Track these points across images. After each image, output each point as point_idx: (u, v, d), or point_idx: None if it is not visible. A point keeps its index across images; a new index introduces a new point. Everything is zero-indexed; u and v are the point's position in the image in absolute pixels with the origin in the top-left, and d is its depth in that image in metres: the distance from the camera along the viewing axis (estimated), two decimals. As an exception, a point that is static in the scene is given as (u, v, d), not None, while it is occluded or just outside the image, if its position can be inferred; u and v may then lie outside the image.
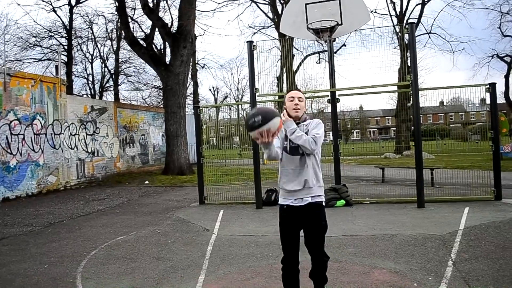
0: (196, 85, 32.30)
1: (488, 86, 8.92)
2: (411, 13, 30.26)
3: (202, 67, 35.49)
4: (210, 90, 45.68)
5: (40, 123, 13.50)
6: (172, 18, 25.23)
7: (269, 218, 7.81)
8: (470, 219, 6.88)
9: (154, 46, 21.09)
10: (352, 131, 65.39)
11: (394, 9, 30.18)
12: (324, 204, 3.33)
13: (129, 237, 6.83)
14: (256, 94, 9.38)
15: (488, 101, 9.67)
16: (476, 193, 8.92)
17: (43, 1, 26.99)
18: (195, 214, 8.67)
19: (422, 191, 8.28)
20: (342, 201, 8.74)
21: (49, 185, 13.59)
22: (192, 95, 31.58)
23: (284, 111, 3.34)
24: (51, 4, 26.92)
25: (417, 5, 30.08)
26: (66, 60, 27.15)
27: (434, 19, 30.07)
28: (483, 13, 43.67)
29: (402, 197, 9.19)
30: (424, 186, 8.45)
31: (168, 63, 18.39)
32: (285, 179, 3.27)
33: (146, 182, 15.42)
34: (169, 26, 19.42)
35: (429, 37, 29.79)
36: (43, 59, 27.93)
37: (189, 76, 23.76)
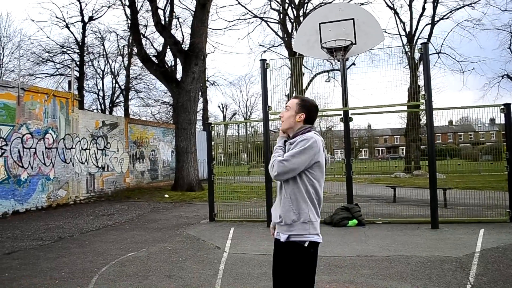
0: (206, 102, 32.53)
1: (502, 107, 8.83)
2: (420, 33, 30.41)
3: (212, 84, 35.76)
4: (219, 107, 45.91)
5: (52, 137, 13.59)
6: (183, 35, 25.60)
7: (281, 237, 7.71)
8: (486, 241, 6.75)
9: (165, 63, 21.32)
10: (361, 149, 65.13)
11: (404, 29, 30.35)
12: (307, 245, 2.62)
13: (140, 253, 6.77)
14: (269, 112, 9.38)
15: (498, 121, 9.60)
16: (491, 214, 8.78)
17: (57, 17, 27.54)
18: (205, 231, 8.60)
19: (437, 211, 8.17)
20: (355, 221, 8.64)
21: (59, 199, 13.60)
22: (201, 112, 31.77)
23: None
24: (64, 21, 27.46)
25: (426, 25, 30.32)
26: (78, 75, 27.50)
27: (444, 39, 30.19)
28: (493, 34, 43.92)
29: (415, 217, 9.07)
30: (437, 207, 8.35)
31: (179, 79, 18.54)
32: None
33: (166, 195, 15.42)
34: (180, 43, 19.64)
35: (439, 56, 29.87)
36: (55, 74, 28.39)
37: (200, 92, 23.95)
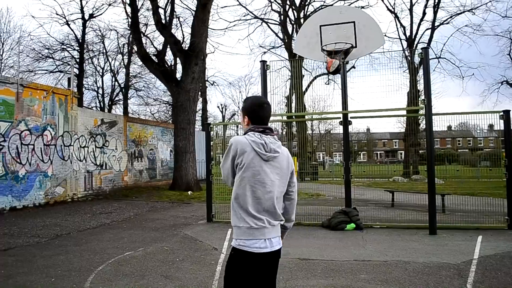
0: (205, 102, 32.52)
1: (502, 113, 8.83)
2: (420, 37, 30.43)
3: (212, 84, 35.73)
4: (218, 107, 45.86)
5: (51, 134, 13.54)
6: (184, 35, 25.52)
7: (278, 239, 7.69)
8: (484, 248, 6.74)
9: (165, 62, 21.30)
10: (359, 153, 65.24)
11: (404, 33, 30.34)
12: (235, 251, 2.55)
13: (137, 253, 6.74)
14: (268, 113, 9.34)
15: (496, 127, 9.61)
16: (489, 221, 8.78)
17: (57, 14, 27.50)
18: (203, 232, 8.58)
19: (435, 217, 8.15)
20: (352, 225, 8.62)
21: (56, 196, 13.56)
22: (201, 112, 31.75)
23: None
24: (65, 18, 27.43)
25: (426, 29, 30.34)
26: (77, 72, 27.46)
27: (444, 44, 30.19)
28: (493, 40, 43.87)
29: (413, 222, 9.06)
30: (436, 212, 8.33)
31: (179, 79, 18.51)
32: None
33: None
34: (181, 43, 19.62)
35: (439, 61, 29.86)
36: (54, 71, 28.36)
37: (199, 92, 23.93)
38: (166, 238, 8.01)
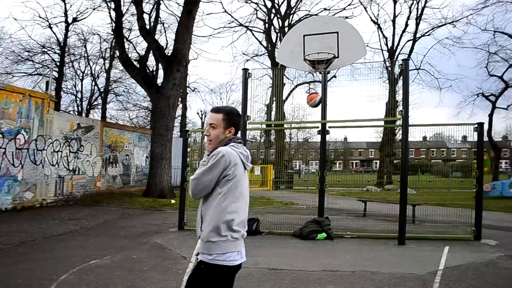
0: (185, 108, 32.38)
1: (476, 126, 9.00)
2: (402, 48, 31.01)
3: (193, 91, 35.62)
4: (198, 113, 45.64)
5: (24, 138, 13.26)
6: (167, 41, 25.31)
7: (249, 249, 7.57)
8: (450, 259, 6.84)
9: (147, 68, 21.15)
10: (335, 161, 65.72)
11: (386, 44, 30.87)
12: (208, 266, 2.51)
13: (103, 261, 6.62)
14: (247, 121, 9.36)
15: (470, 139, 9.81)
16: (457, 232, 8.91)
17: (40, 17, 27.07)
18: (173, 240, 8.48)
19: (404, 227, 8.25)
20: (324, 234, 8.65)
21: (25, 201, 13.22)
22: (180, 118, 31.58)
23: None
24: (47, 21, 27.02)
25: (408, 41, 30.90)
26: (56, 76, 27.06)
27: (424, 56, 30.58)
28: (471, 52, 44.83)
29: (383, 232, 9.14)
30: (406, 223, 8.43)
31: (160, 85, 18.39)
32: None
33: (173, 201, 14.89)
34: (164, 48, 19.49)
35: (418, 73, 30.39)
36: (33, 73, 27.85)
37: (179, 99, 23.82)
38: (135, 246, 7.89)
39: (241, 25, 31.68)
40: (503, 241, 8.39)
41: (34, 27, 38.73)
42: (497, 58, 27.33)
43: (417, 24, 29.94)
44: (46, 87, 15.41)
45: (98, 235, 9.04)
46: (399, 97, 17.12)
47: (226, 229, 2.51)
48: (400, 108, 8.98)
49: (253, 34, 32.70)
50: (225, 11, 32.17)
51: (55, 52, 28.38)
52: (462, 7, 52.12)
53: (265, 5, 32.01)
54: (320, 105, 9.48)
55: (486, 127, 27.06)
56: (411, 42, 30.47)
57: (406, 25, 30.40)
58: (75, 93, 32.78)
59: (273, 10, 31.91)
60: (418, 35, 30.25)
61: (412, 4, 29.96)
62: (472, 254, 7.21)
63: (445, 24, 29.55)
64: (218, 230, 2.50)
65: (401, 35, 30.60)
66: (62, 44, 27.80)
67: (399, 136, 12.20)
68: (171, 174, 18.01)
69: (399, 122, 9.36)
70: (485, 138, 27.27)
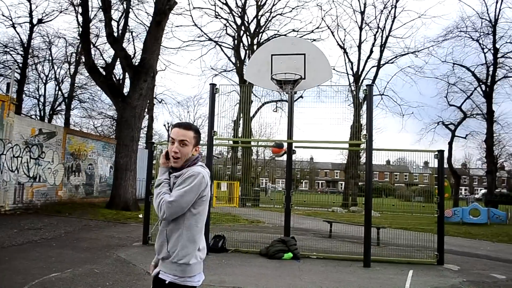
0: (151, 119, 31.97)
1: (436, 153, 9.29)
2: (366, 73, 31.94)
3: (160, 102, 35.26)
4: (164, 125, 45.13)
5: (-19, 141, 12.70)
6: (135, 50, 25.09)
7: (215, 266, 7.56)
8: (414, 283, 6.95)
9: (113, 76, 20.81)
10: (301, 181, 66.35)
11: (352, 68, 31.69)
12: (175, 286, 2.43)
13: (64, 274, 6.35)
14: (214, 137, 9.30)
15: (431, 165, 10.11)
16: (420, 256, 9.09)
17: (3, 15, 26.29)
18: (137, 255, 8.24)
19: (369, 250, 8.32)
20: (290, 254, 8.62)
21: (-20, 208, 12.63)
22: (146, 129, 31.12)
23: (164, 151, 2.62)
24: (11, 20, 26.26)
25: (373, 67, 31.80)
26: (18, 78, 26.22)
27: (388, 82, 31.76)
28: (432, 82, 46.77)
29: (348, 254, 9.20)
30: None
31: (126, 94, 18.09)
32: None
33: (140, 216, 14.27)
34: (131, 57, 19.27)
35: (382, 98, 31.33)
36: (-6, 73, 26.85)
37: (146, 109, 23.48)
38: (98, 259, 7.62)
39: (210, 39, 31.87)
40: (465, 266, 8.61)
41: (-3, 25, 37.51)
42: (456, 89, 28.61)
43: (381, 52, 31.05)
44: (7, 89, 14.88)
45: (59, 246, 8.69)
46: (363, 120, 17.53)
47: (198, 251, 2.50)
48: (364, 132, 9.15)
49: (222, 50, 32.93)
50: (195, 25, 32.15)
51: (18, 53, 27.61)
52: (424, 38, 54.56)
53: (235, 22, 32.40)
54: (287, 125, 9.61)
55: (446, 154, 28.10)
56: (375, 68, 31.51)
57: (371, 51, 31.49)
58: (37, 97, 31.86)
59: (243, 27, 32.26)
60: (382, 62, 31.36)
61: (376, 32, 31.16)
62: (436, 279, 7.35)
63: (407, 54, 30.96)
64: (194, 252, 2.47)
65: (366, 61, 31.66)
66: (25, 45, 27.03)
67: (363, 159, 12.46)
68: (135, 186, 17.65)
69: (363, 146, 9.54)
70: (446, 165, 28.28)
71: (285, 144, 9.22)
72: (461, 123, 29.01)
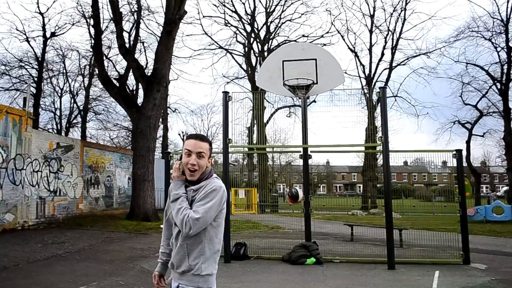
0: (166, 129, 32.12)
1: (455, 152, 9.19)
2: (379, 76, 31.73)
3: (174, 112, 35.44)
4: (179, 134, 45.25)
5: (2, 156, 12.89)
6: (147, 60, 25.26)
7: (238, 274, 7.54)
8: (441, 283, 6.85)
9: (127, 87, 21.00)
10: (319, 185, 66.13)
11: (364, 71, 31.56)
12: None
13: (90, 287, 6.40)
14: (229, 144, 9.32)
15: (449, 164, 9.99)
16: (445, 256, 8.97)
17: (17, 30, 26.68)
18: (160, 265, 8.26)
19: (393, 252, 8.23)
20: (312, 259, 8.57)
21: (5, 223, 12.77)
22: (161, 139, 31.30)
23: (177, 164, 2.56)
24: (25, 34, 26.63)
25: (385, 69, 31.57)
26: (34, 92, 26.58)
27: (401, 84, 31.37)
28: (446, 82, 46.15)
29: (372, 257, 9.11)
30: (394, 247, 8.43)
31: (140, 105, 18.25)
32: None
33: (161, 226, 14.44)
34: (144, 68, 19.43)
35: (395, 100, 31.02)
36: (10, 88, 27.22)
37: (160, 119, 23.65)
38: (122, 271, 7.66)
39: (221, 47, 32.02)
40: (493, 265, 8.47)
41: (11, 40, 37.94)
42: (471, 88, 28.18)
43: (393, 54, 30.83)
44: (24, 104, 15.04)
45: (83, 259, 8.76)
46: (378, 122, 17.42)
47: (217, 262, 2.55)
48: (380, 134, 9.07)
49: (233, 57, 33.01)
50: (205, 33, 32.39)
51: (32, 67, 27.89)
52: (435, 39, 53.67)
53: (244, 29, 32.49)
54: (301, 130, 9.60)
55: (464, 153, 27.77)
56: (387, 70, 31.27)
57: (382, 54, 31.27)
58: (53, 111, 32.17)
59: (253, 35, 32.35)
60: (394, 64, 31.12)
61: (387, 35, 30.96)
62: (463, 279, 7.23)
63: (419, 55, 30.61)
64: (215, 263, 2.52)
65: (378, 64, 31.42)
66: (40, 59, 27.38)
67: (380, 161, 12.34)
68: (154, 196, 17.74)
69: (379, 148, 9.46)
70: (465, 164, 27.95)
71: (301, 193, 8.93)
72: (478, 121, 28.55)
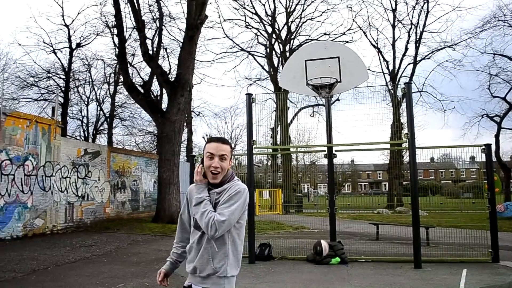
0: (190, 133, 32.45)
1: (483, 147, 8.98)
2: (403, 71, 31.11)
3: (197, 115, 35.76)
4: (203, 137, 45.61)
5: (32, 164, 13.31)
6: (170, 66, 25.60)
7: (263, 275, 7.57)
8: (469, 282, 6.71)
9: (151, 93, 21.32)
10: (344, 184, 65.56)
11: (387, 67, 31.03)
12: None
13: (117, 289, 6.55)
14: (253, 146, 9.36)
15: (478, 159, 9.77)
16: (473, 254, 8.78)
17: (44, 42, 27.46)
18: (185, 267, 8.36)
19: (419, 251, 8.10)
20: (337, 259, 8.53)
21: (35, 228, 13.20)
22: (186, 142, 31.63)
23: (198, 167, 2.55)
24: (52, 46, 27.38)
25: (409, 64, 30.97)
26: (62, 101, 27.28)
27: (426, 78, 30.67)
28: (473, 75, 44.98)
29: (397, 256, 8.99)
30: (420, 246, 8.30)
31: (164, 110, 18.51)
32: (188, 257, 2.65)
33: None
34: (167, 74, 19.69)
35: (421, 95, 30.42)
36: (39, 99, 28.04)
37: (184, 123, 23.90)
38: (148, 273, 7.80)
39: (242, 50, 32.13)
40: (522, 263, 8.25)
41: (39, 52, 38.96)
42: (499, 79, 27.39)
43: (417, 48, 30.19)
44: (52, 113, 15.52)
45: (110, 262, 8.96)
46: (403, 119, 17.17)
47: (236, 265, 2.56)
48: (406, 130, 8.93)
49: (255, 59, 33.07)
50: (227, 36, 32.58)
51: (60, 78, 28.65)
52: (460, 31, 52.71)
53: (265, 31, 32.57)
54: (326, 129, 9.54)
55: (493, 147, 27.07)
56: (412, 65, 30.62)
57: (406, 49, 30.65)
58: (81, 118, 32.93)
59: (274, 35, 32.37)
60: (418, 58, 30.43)
61: (410, 29, 30.31)
62: (492, 277, 7.07)
63: (444, 48, 29.85)
64: (238, 263, 2.54)
65: (402, 59, 30.80)
66: (66, 69, 28.11)
67: (406, 158, 12.15)
68: (179, 199, 17.95)
69: (405, 145, 9.32)
70: (494, 159, 27.24)
71: (326, 248, 8.64)
72: (507, 114, 27.74)
